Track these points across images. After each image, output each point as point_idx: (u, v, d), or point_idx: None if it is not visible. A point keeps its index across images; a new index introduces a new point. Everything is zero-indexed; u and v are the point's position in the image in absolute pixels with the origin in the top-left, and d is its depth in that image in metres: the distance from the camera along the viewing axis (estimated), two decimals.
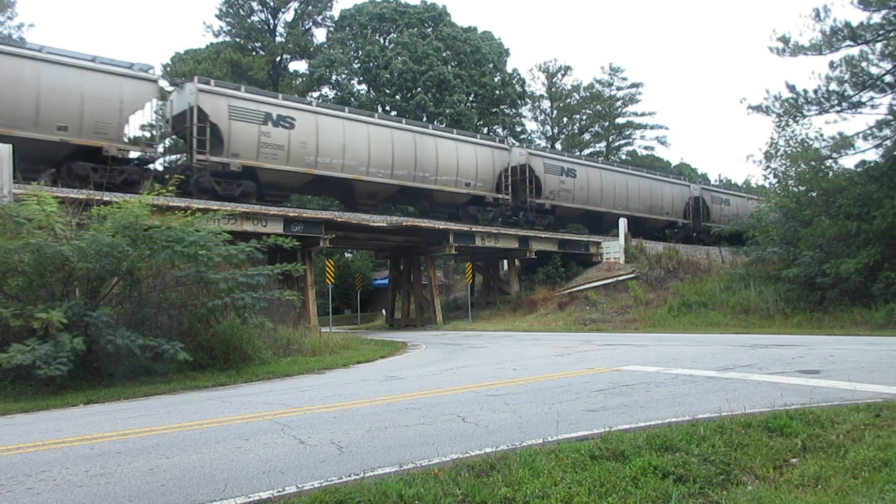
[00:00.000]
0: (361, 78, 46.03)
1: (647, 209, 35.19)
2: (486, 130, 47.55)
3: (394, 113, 41.84)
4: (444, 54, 46.31)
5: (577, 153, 42.72)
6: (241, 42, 47.71)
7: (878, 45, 18.24)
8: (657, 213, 35.84)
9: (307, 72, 46.60)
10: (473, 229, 27.22)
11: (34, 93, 17.31)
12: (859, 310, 17.91)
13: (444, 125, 38.28)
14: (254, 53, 47.09)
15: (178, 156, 26.13)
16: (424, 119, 37.77)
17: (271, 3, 48.52)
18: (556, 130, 62.25)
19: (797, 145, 21.91)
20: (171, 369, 10.67)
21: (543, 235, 29.74)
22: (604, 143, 63.40)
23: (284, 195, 24.12)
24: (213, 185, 20.30)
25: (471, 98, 47.99)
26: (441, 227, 25.94)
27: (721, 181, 62.92)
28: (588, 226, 35.58)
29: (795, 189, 22.03)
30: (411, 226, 24.68)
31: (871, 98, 18.98)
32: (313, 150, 22.54)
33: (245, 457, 4.90)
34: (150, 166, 20.47)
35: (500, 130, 50.59)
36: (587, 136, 63.48)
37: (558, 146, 58.39)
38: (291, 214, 21.29)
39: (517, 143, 33.58)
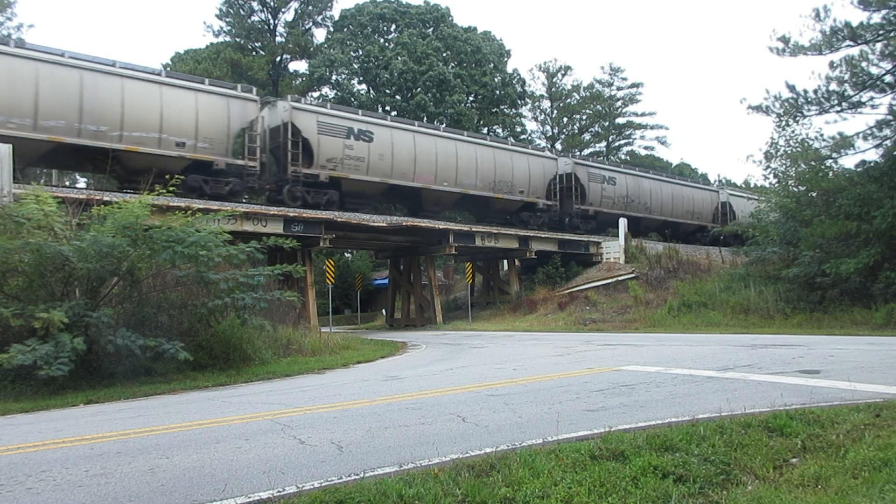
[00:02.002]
0: (361, 78, 46.05)
1: (488, 186, 27.99)
2: (486, 130, 47.51)
3: (394, 113, 41.81)
4: (445, 54, 46.33)
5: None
6: (241, 42, 47.75)
7: (878, 45, 18.23)
8: (506, 191, 28.70)
9: (307, 72, 46.62)
10: (474, 229, 27.22)
11: None
12: (859, 310, 17.90)
13: (444, 124, 37.81)
14: (254, 53, 47.13)
15: None
16: (425, 120, 37.45)
17: (271, 3, 48.56)
18: (556, 130, 62.32)
19: (797, 145, 21.90)
20: (171, 369, 10.68)
21: (543, 235, 29.72)
22: (604, 143, 63.47)
23: None
24: None
25: (471, 98, 48.00)
26: (441, 226, 25.95)
27: (721, 181, 62.91)
28: (407, 206, 28.94)
29: (795, 189, 22.03)
30: (411, 226, 24.70)
31: (871, 98, 18.98)
32: None
33: (245, 457, 4.90)
34: None
35: (499, 130, 50.60)
36: (587, 136, 63.57)
37: (558, 146, 58.40)
38: (291, 214, 21.28)
39: (278, 97, 25.45)
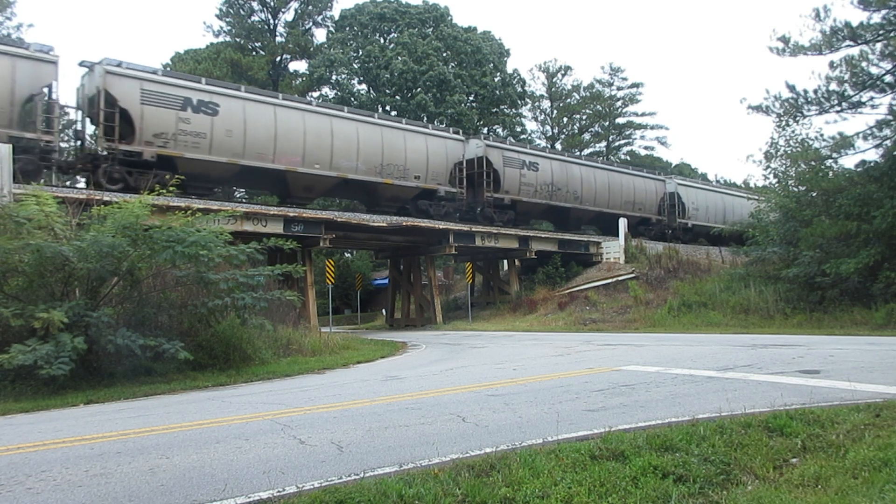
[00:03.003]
0: (361, 78, 46.07)
1: (374, 170, 24.09)
2: (486, 130, 47.54)
3: (394, 113, 41.83)
4: (445, 54, 46.36)
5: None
6: (242, 42, 47.76)
7: (878, 45, 18.23)
8: (397, 176, 24.75)
9: (307, 72, 46.65)
10: (474, 229, 27.22)
11: None
12: (859, 310, 17.91)
13: (444, 123, 37.74)
14: (254, 53, 47.12)
15: None
16: (425, 120, 37.40)
17: (271, 3, 48.57)
18: (556, 130, 62.30)
19: (797, 145, 21.93)
20: (171, 369, 10.68)
21: (543, 235, 29.71)
22: (604, 143, 63.49)
23: None
24: None
25: (471, 98, 48.01)
26: (441, 227, 25.93)
27: (720, 181, 62.83)
28: (272, 192, 25.87)
29: (795, 189, 22.04)
30: (411, 226, 24.69)
31: (871, 98, 18.98)
32: None
33: (245, 457, 4.91)
34: None
35: (500, 130, 50.62)
36: (587, 136, 63.58)
37: (558, 146, 58.34)
38: (291, 214, 21.28)
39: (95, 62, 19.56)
